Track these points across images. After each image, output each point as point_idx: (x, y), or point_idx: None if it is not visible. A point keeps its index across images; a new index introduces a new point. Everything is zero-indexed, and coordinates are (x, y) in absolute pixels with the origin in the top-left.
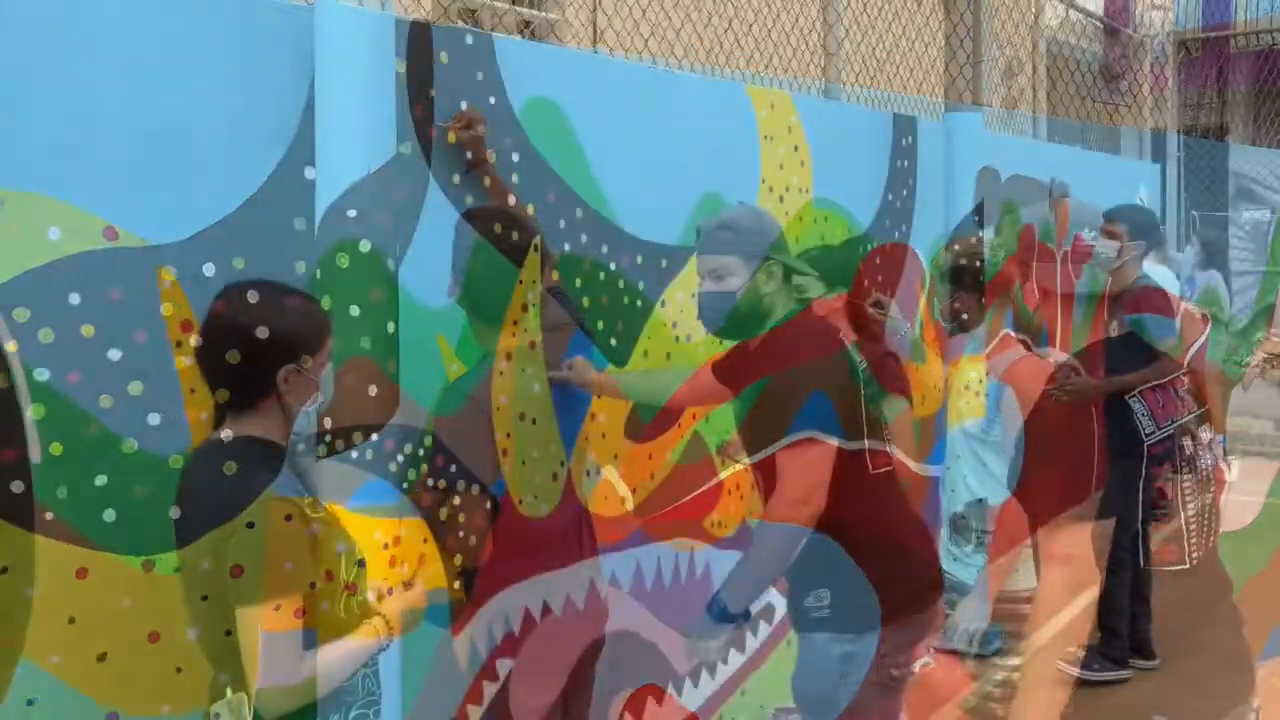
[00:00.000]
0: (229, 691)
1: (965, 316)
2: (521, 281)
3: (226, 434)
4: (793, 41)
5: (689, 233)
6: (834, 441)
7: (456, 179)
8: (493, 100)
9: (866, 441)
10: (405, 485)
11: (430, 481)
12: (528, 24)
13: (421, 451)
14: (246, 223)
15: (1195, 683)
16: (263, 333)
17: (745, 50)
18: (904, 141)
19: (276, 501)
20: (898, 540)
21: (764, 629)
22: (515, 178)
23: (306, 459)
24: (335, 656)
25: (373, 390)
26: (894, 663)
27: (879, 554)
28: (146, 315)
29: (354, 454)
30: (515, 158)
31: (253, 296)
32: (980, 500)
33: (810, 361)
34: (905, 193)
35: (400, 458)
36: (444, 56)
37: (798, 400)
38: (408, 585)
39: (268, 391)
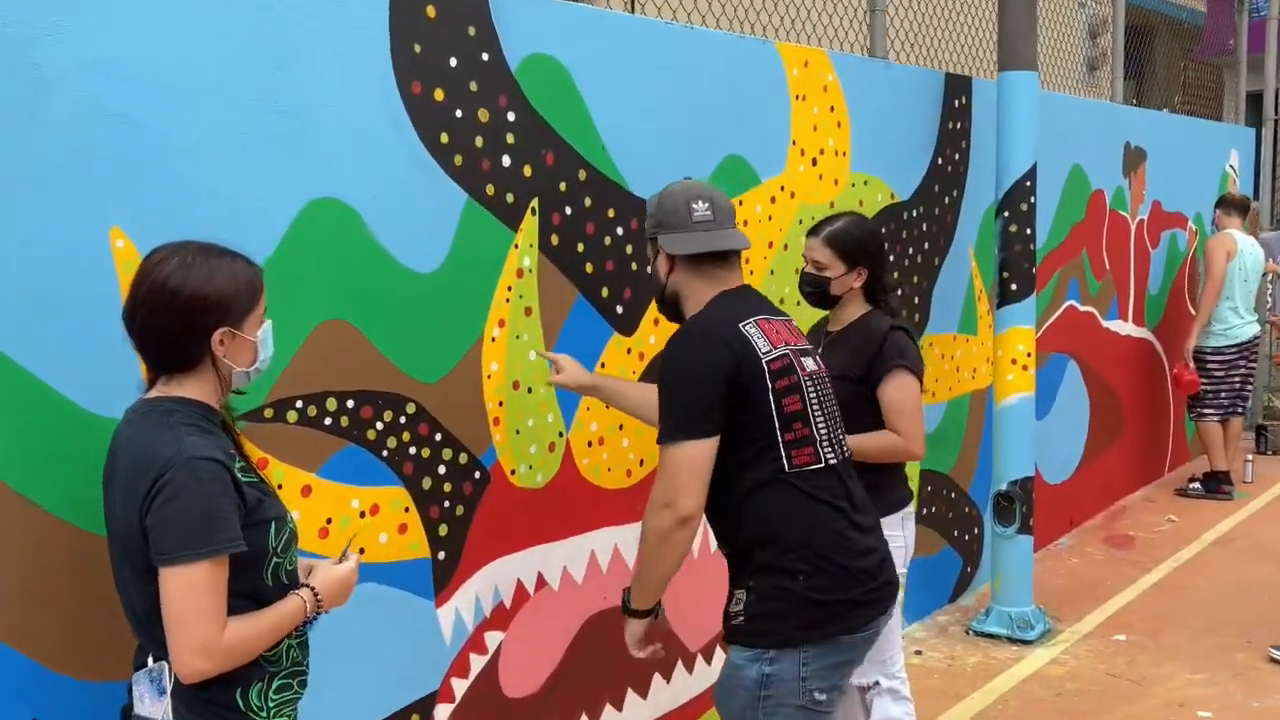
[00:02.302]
0: (150, 660)
1: (1014, 286)
2: (517, 245)
3: (155, 394)
4: (839, 11)
5: None
6: (704, 442)
7: (445, 138)
8: (485, 57)
9: (781, 437)
10: (384, 453)
11: (412, 450)
12: None
13: (403, 419)
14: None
15: None
16: (194, 295)
17: (790, 18)
18: (957, 102)
19: (201, 462)
20: (821, 548)
21: None
22: (510, 138)
23: (253, 422)
24: (256, 624)
25: (348, 355)
26: (819, 687)
27: (799, 561)
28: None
29: (326, 420)
30: (511, 116)
31: (182, 258)
32: (1025, 479)
33: (674, 355)
34: (957, 156)
35: (379, 425)
36: (431, 10)
37: (665, 399)
38: (342, 558)
39: (200, 354)
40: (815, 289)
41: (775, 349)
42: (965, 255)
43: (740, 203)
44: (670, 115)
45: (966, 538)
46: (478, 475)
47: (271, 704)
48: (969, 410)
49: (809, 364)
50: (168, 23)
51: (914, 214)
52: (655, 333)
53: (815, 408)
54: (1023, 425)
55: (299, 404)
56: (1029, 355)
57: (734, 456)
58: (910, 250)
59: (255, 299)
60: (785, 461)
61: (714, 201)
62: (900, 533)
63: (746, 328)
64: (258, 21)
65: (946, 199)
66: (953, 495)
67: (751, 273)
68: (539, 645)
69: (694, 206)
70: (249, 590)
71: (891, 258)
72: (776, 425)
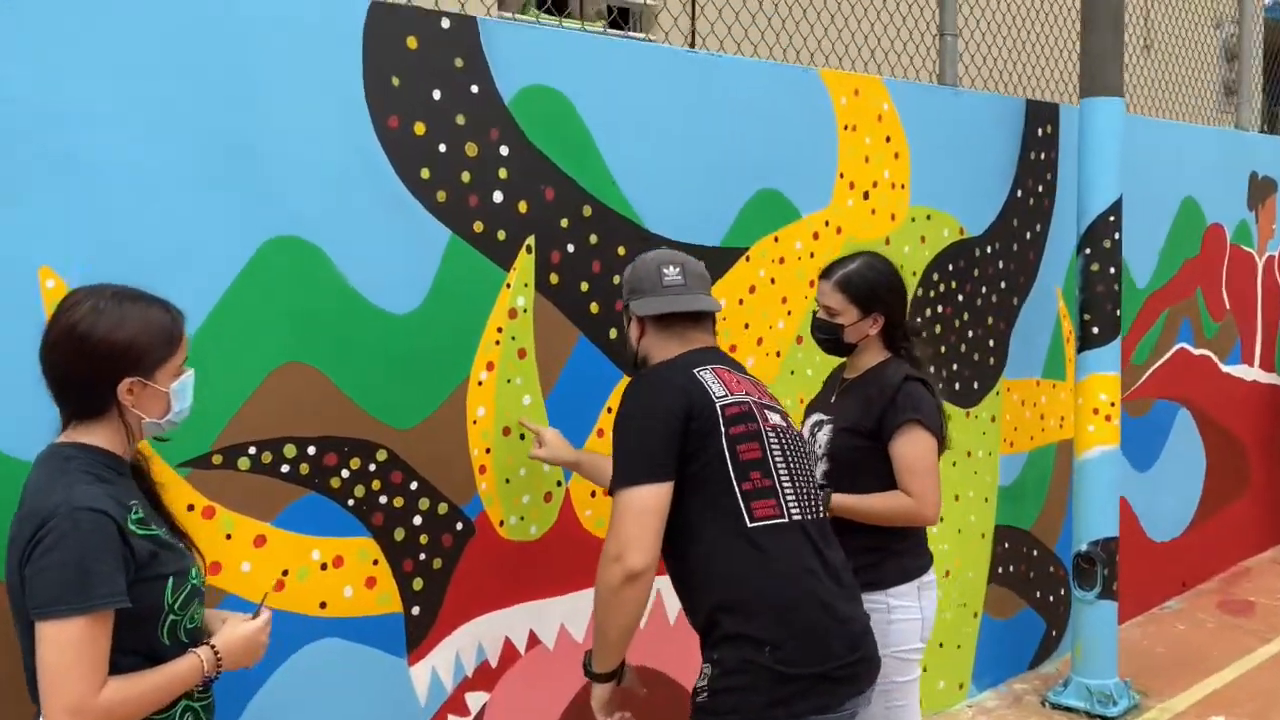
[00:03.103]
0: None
1: (1096, 330)
2: (509, 285)
3: (62, 439)
4: (910, 38)
5: (739, 233)
6: (654, 487)
7: (426, 174)
8: (475, 89)
9: (737, 485)
10: (350, 502)
11: (383, 499)
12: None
13: (373, 466)
14: None
15: None
16: (102, 342)
17: (856, 46)
18: (1041, 131)
19: (84, 513)
20: (789, 614)
21: None
22: (502, 172)
23: (200, 469)
24: (140, 685)
25: (308, 399)
26: None
27: (766, 628)
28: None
29: (283, 467)
30: (503, 151)
31: (94, 303)
32: (1108, 539)
33: (625, 401)
34: (1041, 188)
35: (345, 473)
36: (412, 42)
37: (616, 446)
38: (255, 615)
39: (107, 403)
40: (828, 336)
41: (731, 395)
42: (1051, 294)
43: (776, 239)
44: (694, 148)
45: (1051, 599)
46: (459, 526)
47: None
48: (1054, 462)
49: (774, 418)
50: (103, 57)
51: (988, 250)
52: None
53: (779, 460)
54: (1105, 481)
55: (252, 450)
56: (1112, 405)
57: (691, 511)
58: (984, 289)
59: (171, 348)
60: (745, 515)
61: (685, 267)
62: (916, 603)
63: (701, 373)
64: (210, 58)
65: (1028, 234)
66: (1035, 553)
67: (789, 312)
68: (530, 709)
69: (665, 271)
70: (143, 648)
71: (960, 297)
72: (731, 472)
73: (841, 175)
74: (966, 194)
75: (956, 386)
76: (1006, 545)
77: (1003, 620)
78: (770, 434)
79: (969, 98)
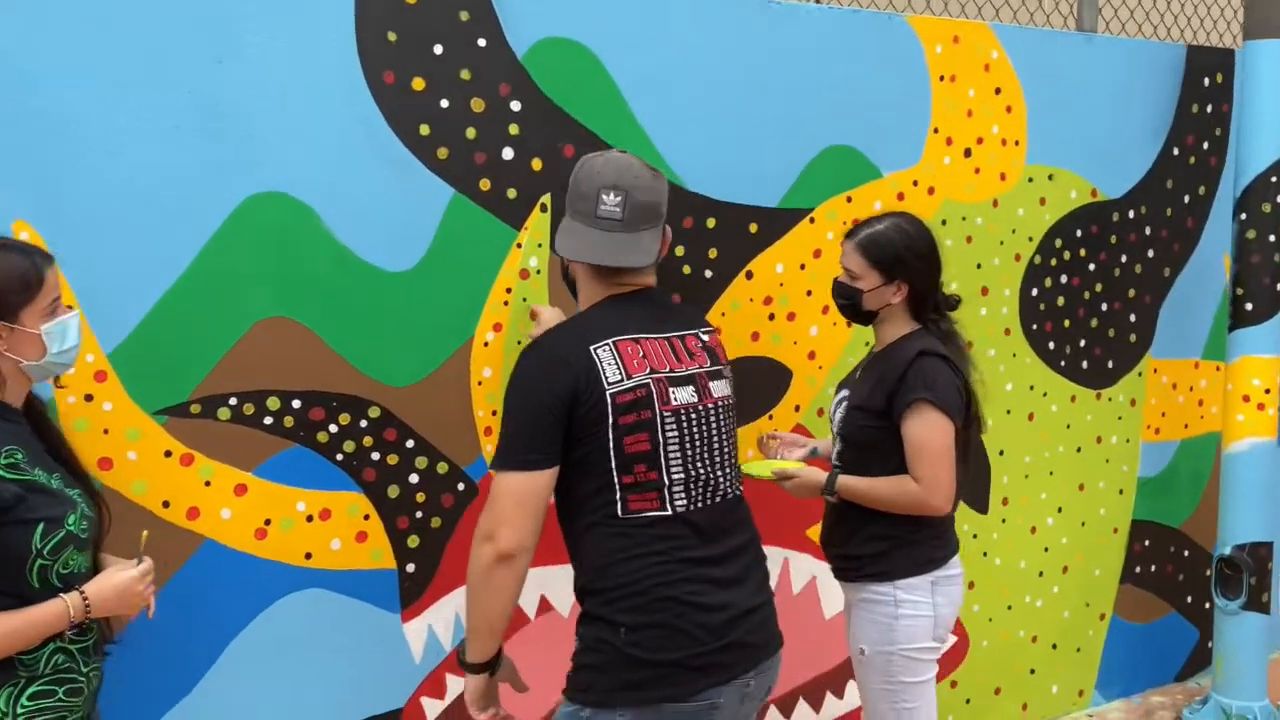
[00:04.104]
0: None
1: (1250, 306)
2: (520, 245)
3: None
4: None
5: (801, 192)
6: (530, 475)
7: (425, 130)
8: (483, 43)
9: (618, 478)
10: (339, 457)
11: (375, 456)
12: None
13: (364, 423)
14: None
15: None
16: None
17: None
18: (1207, 81)
19: None
20: (649, 601)
21: None
22: (514, 129)
23: (177, 417)
24: (1, 625)
25: (294, 354)
26: None
27: (623, 612)
28: None
29: (266, 419)
30: (515, 106)
31: None
32: (1259, 544)
33: (514, 375)
34: (1207, 145)
35: (333, 427)
36: None
37: (501, 421)
38: (139, 562)
39: None
40: (847, 301)
41: (630, 378)
42: (1217, 265)
43: (849, 199)
44: (747, 104)
45: (1207, 606)
46: (461, 487)
47: (21, 710)
48: (1215, 453)
49: (681, 395)
50: (79, 11)
51: (1129, 215)
52: None
53: (673, 450)
54: (1256, 478)
55: (232, 401)
56: (1267, 392)
57: (574, 492)
58: (1124, 258)
59: (29, 292)
60: (619, 506)
61: (630, 196)
62: (929, 599)
63: (599, 350)
64: (190, 10)
65: (1187, 197)
66: (1186, 553)
67: None
68: (538, 675)
69: (603, 198)
70: (11, 589)
71: (1091, 266)
72: (613, 465)
73: (936, 130)
74: (1101, 152)
75: (1084, 365)
76: (1147, 543)
77: (1140, 625)
78: (669, 419)
79: (1105, 44)
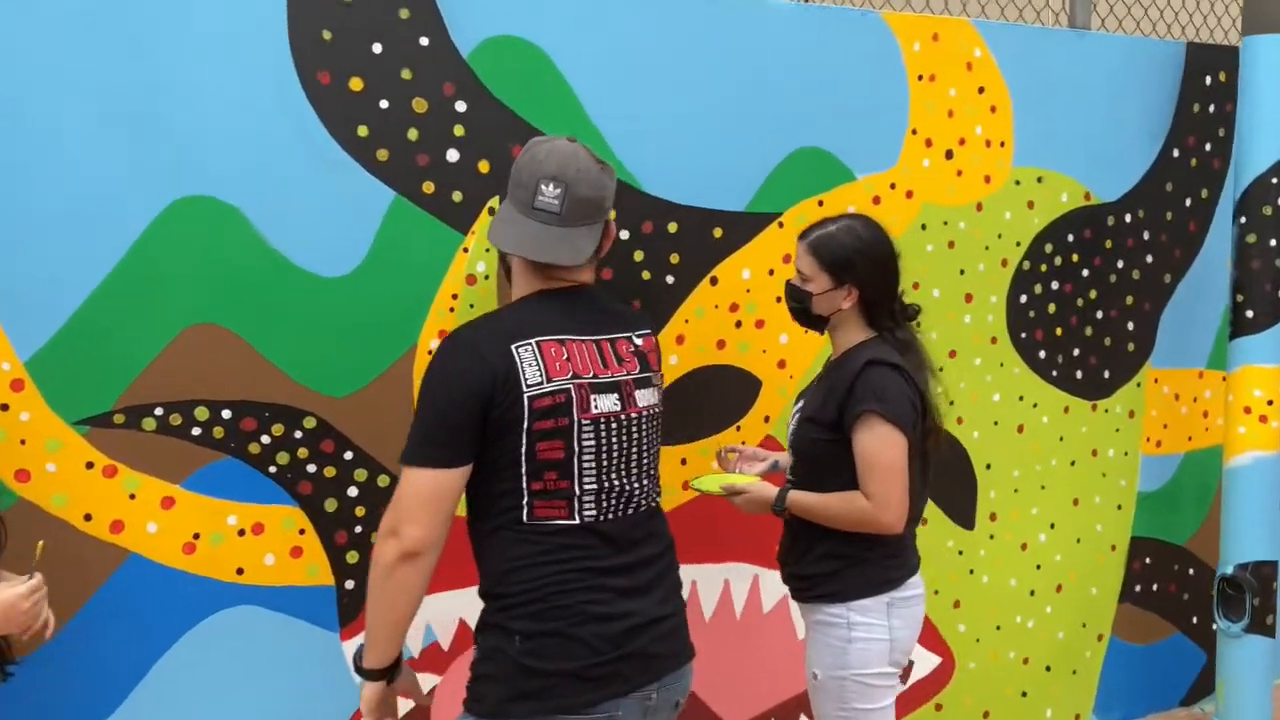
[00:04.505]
0: None
1: (1251, 313)
2: (467, 249)
3: None
4: None
5: (769, 196)
6: (437, 472)
7: (363, 131)
8: (425, 42)
9: (526, 485)
10: (272, 469)
11: (311, 468)
12: None
13: (299, 434)
14: None
15: None
16: None
17: None
18: (1208, 79)
19: None
20: (545, 609)
21: None
22: (459, 130)
23: (100, 427)
24: None
25: (224, 362)
26: None
27: (518, 619)
28: None
29: (194, 430)
30: (460, 107)
31: None
32: (1263, 564)
33: (432, 364)
34: (1209, 147)
35: (266, 438)
36: None
37: (416, 412)
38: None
39: None
40: (798, 304)
41: (550, 381)
42: (1222, 271)
43: (821, 203)
44: (708, 105)
45: (1215, 626)
46: None
47: None
48: (1220, 467)
49: (605, 403)
50: None
51: (1126, 219)
52: (677, 351)
53: (588, 459)
54: (1259, 494)
55: (158, 411)
56: (1270, 403)
57: (481, 493)
58: (1120, 263)
59: None
60: (524, 512)
61: (570, 190)
62: (883, 621)
63: (521, 349)
64: (113, 10)
65: (1188, 200)
66: (1190, 571)
67: None
68: None
69: (542, 189)
70: None
71: (1085, 272)
72: (523, 471)
73: (914, 131)
74: (1095, 154)
75: (1078, 375)
76: (1149, 560)
77: (1141, 646)
78: (587, 427)
79: (1097, 40)
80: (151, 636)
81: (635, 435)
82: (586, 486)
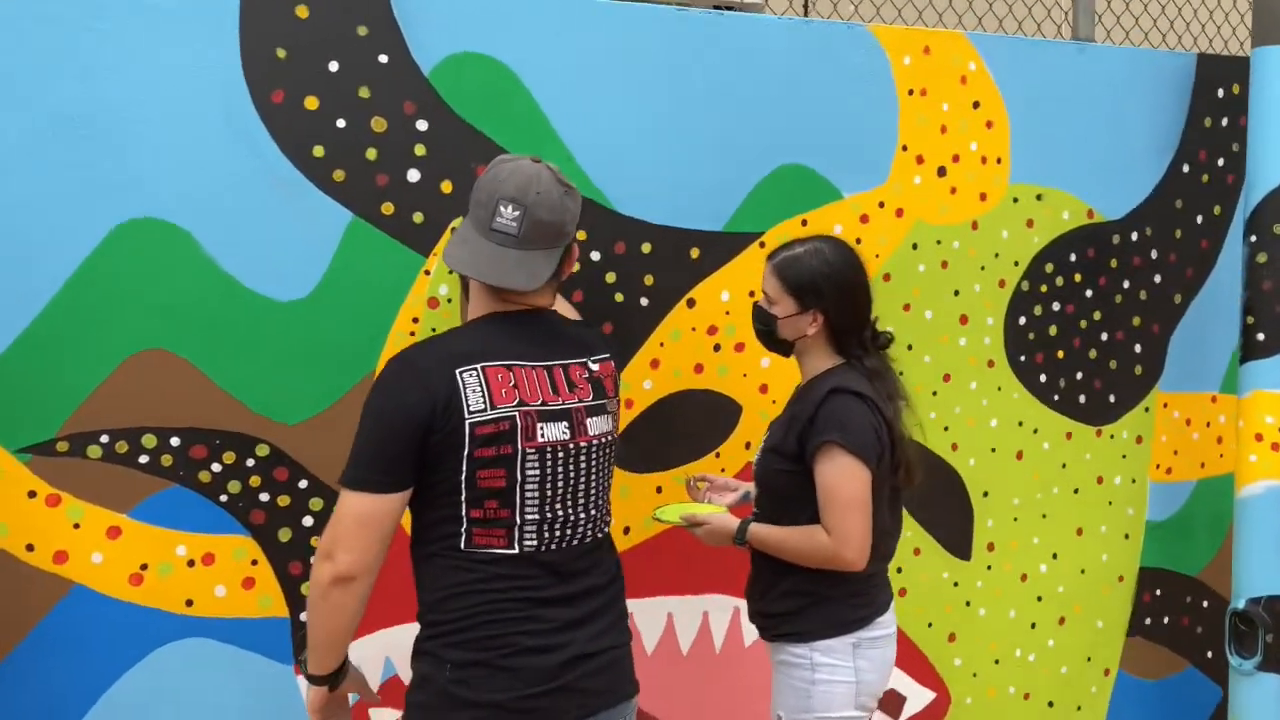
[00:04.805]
0: None
1: (1262, 336)
2: (428, 271)
3: None
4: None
5: (749, 215)
6: (373, 497)
7: (319, 151)
8: (384, 59)
9: (466, 512)
10: (223, 498)
11: (264, 497)
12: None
13: (252, 462)
14: None
15: None
16: None
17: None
18: (1220, 92)
19: None
20: (478, 638)
21: None
22: (420, 149)
23: (43, 455)
24: None
25: (173, 389)
26: None
27: (451, 648)
28: None
29: (142, 458)
30: (421, 125)
31: None
32: (1274, 598)
33: (376, 385)
34: (1222, 162)
35: (216, 466)
36: (302, 11)
37: (357, 432)
38: None
39: None
40: (762, 326)
41: (495, 409)
42: (1237, 291)
43: (805, 223)
44: (684, 122)
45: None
46: None
47: None
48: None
49: (553, 431)
50: None
51: (1132, 237)
52: (652, 376)
53: (530, 489)
54: (1272, 524)
55: (104, 439)
56: None
57: (421, 517)
58: (1126, 283)
59: None
60: (462, 539)
61: (529, 213)
62: (848, 662)
63: (465, 374)
64: (54, 28)
65: (1200, 217)
66: (1205, 604)
67: None
68: None
69: (500, 210)
70: None
71: (1088, 293)
72: (463, 498)
73: (905, 148)
74: (1098, 170)
75: (1082, 399)
76: (1159, 592)
77: (1152, 681)
78: (531, 456)
79: (1099, 53)
80: (97, 670)
81: (584, 464)
82: (529, 516)
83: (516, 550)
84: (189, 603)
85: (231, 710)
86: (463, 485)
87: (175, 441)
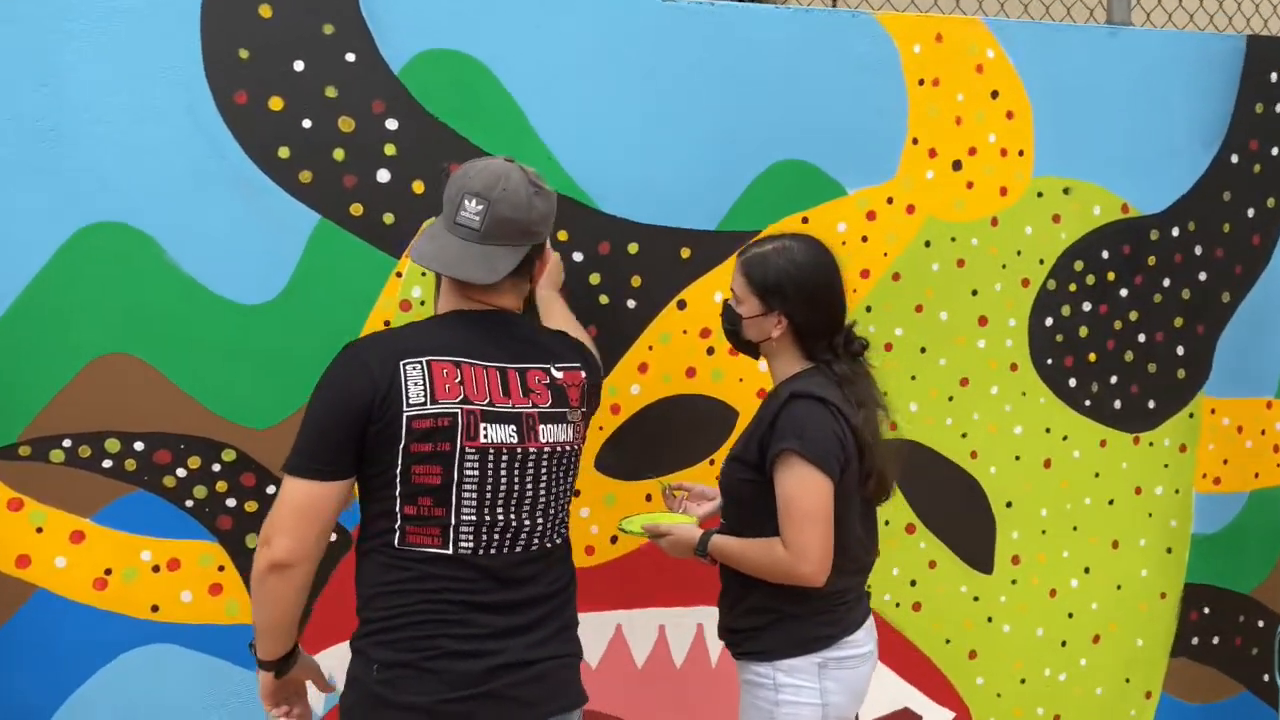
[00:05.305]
0: None
1: None
2: (400, 274)
3: None
4: None
5: (744, 213)
6: (311, 484)
7: (285, 152)
8: (351, 58)
9: (400, 508)
10: (188, 503)
11: (230, 502)
12: None
13: (218, 467)
14: None
15: None
16: None
17: None
18: (1273, 76)
19: None
20: (406, 638)
21: None
22: (390, 149)
23: (6, 460)
24: None
25: (136, 393)
26: None
27: (379, 648)
28: None
29: (105, 462)
30: (391, 125)
31: None
32: None
33: (325, 372)
34: (1275, 150)
35: (181, 471)
36: (265, 10)
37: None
38: None
39: None
40: (729, 326)
41: (436, 404)
42: None
43: (806, 220)
44: (673, 117)
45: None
46: (333, 537)
47: None
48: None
49: (498, 433)
50: None
51: (1173, 233)
52: (640, 380)
53: (471, 488)
54: None
55: (66, 443)
56: None
57: (364, 511)
58: (1167, 282)
59: None
60: (396, 536)
61: (492, 208)
62: (813, 684)
63: (409, 366)
64: (9, 31)
65: (1251, 210)
66: (1260, 623)
67: None
68: None
69: (465, 204)
70: None
71: (1123, 292)
72: (398, 493)
73: (915, 141)
74: (1133, 162)
75: (1117, 405)
76: (1207, 610)
77: (1200, 706)
78: (471, 456)
79: (1134, 36)
80: (60, 675)
81: (534, 471)
82: (465, 517)
83: (450, 551)
84: (154, 608)
85: (196, 715)
86: (398, 479)
87: (139, 446)
